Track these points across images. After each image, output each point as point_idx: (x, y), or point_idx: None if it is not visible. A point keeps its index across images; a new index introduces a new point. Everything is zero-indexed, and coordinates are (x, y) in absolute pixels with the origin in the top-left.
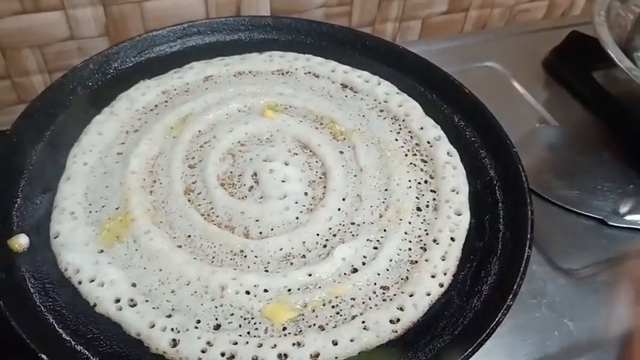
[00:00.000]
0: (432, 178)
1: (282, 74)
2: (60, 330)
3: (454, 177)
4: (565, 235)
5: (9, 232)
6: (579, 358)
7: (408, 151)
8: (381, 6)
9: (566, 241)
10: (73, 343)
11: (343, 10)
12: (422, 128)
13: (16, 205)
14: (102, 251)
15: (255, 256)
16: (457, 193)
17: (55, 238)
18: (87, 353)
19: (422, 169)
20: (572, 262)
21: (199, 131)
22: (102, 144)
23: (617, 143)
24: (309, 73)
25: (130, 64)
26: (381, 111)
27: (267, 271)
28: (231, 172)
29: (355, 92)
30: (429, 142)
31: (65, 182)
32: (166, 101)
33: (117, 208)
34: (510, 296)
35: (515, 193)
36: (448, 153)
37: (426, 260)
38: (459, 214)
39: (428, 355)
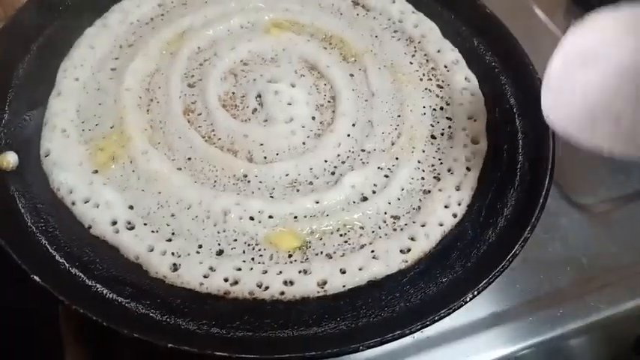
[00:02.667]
0: (447, 104)
1: None
2: (53, 252)
3: (471, 104)
4: (580, 170)
5: None
6: (591, 294)
7: (424, 75)
8: None
9: (581, 175)
10: (67, 265)
11: None
12: (439, 51)
13: (4, 121)
14: (96, 172)
15: (260, 182)
16: (475, 120)
17: (45, 156)
18: (82, 276)
19: (437, 95)
20: (587, 197)
21: (199, 48)
22: (94, 58)
23: None
24: None
25: None
26: (395, 31)
27: (272, 197)
28: (233, 93)
29: (367, 10)
30: (445, 67)
31: (56, 98)
32: (162, 14)
33: (111, 127)
34: (528, 229)
35: (537, 123)
36: (466, 78)
37: (440, 190)
38: (476, 143)
39: (440, 286)
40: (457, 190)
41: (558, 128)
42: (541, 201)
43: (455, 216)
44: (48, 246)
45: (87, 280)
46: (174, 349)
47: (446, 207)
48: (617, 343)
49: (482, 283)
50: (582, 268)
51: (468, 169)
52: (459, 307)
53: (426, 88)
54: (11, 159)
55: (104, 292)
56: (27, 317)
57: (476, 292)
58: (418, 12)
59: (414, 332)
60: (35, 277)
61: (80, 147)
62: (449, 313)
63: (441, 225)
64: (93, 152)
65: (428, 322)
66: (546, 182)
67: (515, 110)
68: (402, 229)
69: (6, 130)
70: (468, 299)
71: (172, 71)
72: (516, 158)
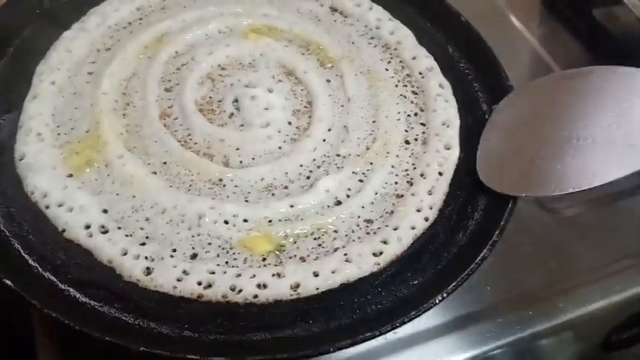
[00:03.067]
0: (422, 110)
1: None
2: (26, 256)
3: (445, 110)
4: None
5: None
6: (560, 295)
7: (399, 82)
8: None
9: None
10: (40, 269)
11: None
12: (414, 58)
13: None
14: (71, 175)
15: (235, 186)
16: (447, 126)
17: (20, 160)
18: (55, 280)
19: (412, 102)
20: (557, 201)
21: (176, 52)
22: (71, 62)
23: None
24: None
25: None
26: (372, 38)
27: (247, 201)
28: (210, 98)
29: (345, 17)
30: (420, 74)
31: (31, 101)
32: (141, 18)
33: (87, 131)
34: (497, 232)
35: None
36: (440, 85)
37: (412, 194)
38: (449, 148)
39: (411, 288)
40: (429, 194)
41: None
42: (510, 205)
43: (427, 219)
44: (21, 250)
45: (60, 284)
46: (147, 352)
47: (418, 211)
48: (586, 343)
49: (452, 286)
50: (552, 270)
51: (440, 173)
52: (428, 309)
53: (401, 95)
54: None
55: (77, 295)
56: None
57: (445, 294)
58: (395, 19)
59: (385, 333)
60: (7, 281)
61: (55, 151)
62: (418, 315)
63: (413, 228)
64: (68, 156)
65: (397, 324)
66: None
67: (486, 117)
68: (375, 233)
69: None
70: (437, 301)
71: (149, 75)
72: None
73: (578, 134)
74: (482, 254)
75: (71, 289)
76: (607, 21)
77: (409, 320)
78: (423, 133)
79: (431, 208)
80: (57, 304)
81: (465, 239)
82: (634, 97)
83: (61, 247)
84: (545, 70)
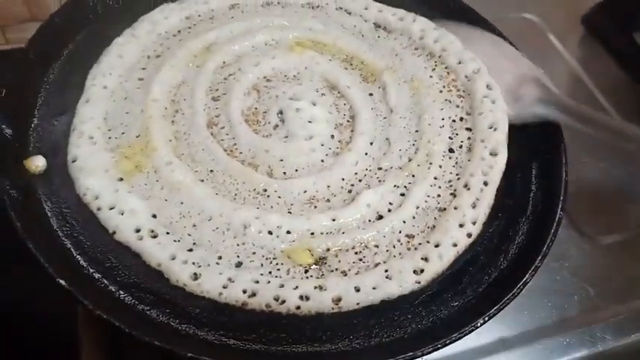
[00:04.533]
0: (468, 114)
1: (312, 8)
2: (78, 256)
3: (492, 112)
4: (591, 200)
5: (25, 152)
6: (598, 324)
7: (444, 87)
8: None
9: (592, 206)
10: (90, 270)
11: None
12: (460, 62)
13: (33, 125)
14: (121, 179)
15: (279, 197)
16: (495, 129)
17: (72, 162)
18: (105, 282)
19: (458, 106)
20: (597, 228)
21: (224, 62)
22: (122, 67)
23: None
24: (341, 8)
25: None
26: (416, 49)
27: (290, 212)
28: (255, 108)
29: (389, 32)
30: (466, 77)
31: (84, 105)
32: (190, 27)
33: (137, 136)
34: (539, 257)
35: (551, 152)
36: (487, 86)
37: (455, 208)
38: (495, 154)
39: (451, 310)
40: (473, 207)
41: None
42: (553, 230)
43: (469, 236)
44: (73, 250)
45: (110, 286)
46: (192, 358)
47: (461, 226)
48: None
49: (494, 309)
50: (590, 298)
51: (485, 183)
52: (470, 332)
53: (446, 99)
54: (39, 163)
55: (126, 298)
56: (45, 319)
57: (487, 318)
58: (439, 28)
59: (426, 354)
60: (61, 281)
61: (106, 154)
62: (460, 337)
63: (455, 245)
64: (119, 160)
65: (439, 345)
66: (558, 212)
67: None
68: (415, 249)
69: (35, 135)
70: (479, 324)
71: (198, 84)
72: (529, 187)
73: None
74: (524, 279)
75: (120, 292)
76: None
77: (451, 342)
78: (469, 139)
79: (474, 224)
80: (107, 306)
81: (505, 263)
82: None
83: (111, 249)
84: (584, 89)
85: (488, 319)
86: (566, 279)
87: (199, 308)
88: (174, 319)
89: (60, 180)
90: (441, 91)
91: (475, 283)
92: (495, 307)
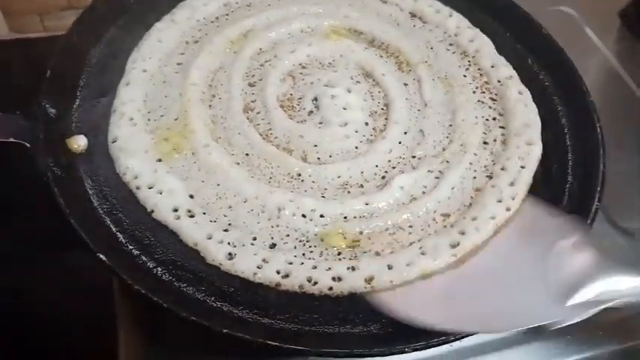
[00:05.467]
0: (501, 115)
1: None
2: (117, 233)
3: (524, 114)
4: (626, 194)
5: (68, 131)
6: (632, 319)
7: (477, 88)
8: None
9: (627, 199)
10: (130, 247)
11: None
12: (493, 66)
13: (75, 106)
14: (160, 160)
15: (313, 181)
16: (529, 126)
17: (113, 142)
18: (143, 258)
19: (490, 107)
20: (632, 221)
21: (260, 49)
22: (161, 52)
23: None
24: None
25: None
26: (451, 45)
27: (323, 197)
28: (291, 95)
29: (424, 22)
30: (499, 81)
31: (124, 87)
32: (227, 14)
33: (176, 119)
34: None
35: (588, 144)
36: (519, 92)
37: (493, 186)
38: (530, 144)
39: None
40: (511, 185)
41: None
42: (589, 222)
43: (508, 210)
44: (112, 227)
45: (148, 263)
46: (228, 334)
47: (499, 201)
48: None
49: None
50: None
51: (522, 167)
52: None
53: (478, 100)
54: (81, 142)
55: (164, 275)
56: (82, 295)
57: None
58: (474, 27)
59: (459, 339)
60: (101, 255)
61: (146, 135)
62: None
63: (493, 218)
64: (158, 141)
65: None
66: (594, 204)
67: (566, 131)
68: (452, 226)
69: (77, 115)
70: None
71: (234, 70)
72: (566, 178)
73: None
74: None
75: (158, 269)
76: None
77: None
78: (502, 135)
79: (513, 199)
80: (145, 282)
81: None
82: None
83: (150, 227)
84: (621, 85)
85: None
86: None
87: (234, 287)
88: (210, 297)
89: (100, 159)
90: (474, 92)
91: None
92: None
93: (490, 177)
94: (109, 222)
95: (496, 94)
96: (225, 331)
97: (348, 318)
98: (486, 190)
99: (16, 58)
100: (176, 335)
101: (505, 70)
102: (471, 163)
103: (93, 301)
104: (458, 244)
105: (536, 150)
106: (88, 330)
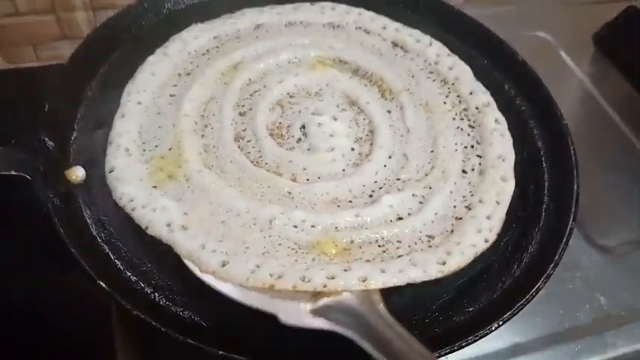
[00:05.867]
0: (478, 143)
1: (333, 27)
2: (116, 261)
3: (501, 144)
4: (602, 212)
5: (66, 163)
6: (609, 331)
7: (456, 115)
8: None
9: (603, 217)
10: (128, 273)
11: None
12: (471, 93)
13: (73, 138)
14: (155, 187)
15: (303, 198)
16: (503, 160)
17: (110, 172)
18: (141, 284)
19: (469, 134)
20: (608, 238)
21: (250, 79)
22: (155, 84)
23: None
24: (360, 28)
25: (183, 6)
26: (431, 72)
27: (314, 209)
28: (280, 123)
29: (406, 52)
30: (477, 108)
31: (120, 119)
32: (217, 47)
33: (170, 149)
34: (551, 266)
35: (563, 165)
36: (496, 120)
37: (472, 217)
38: (505, 180)
39: (467, 314)
40: (488, 218)
41: None
42: (565, 240)
43: (486, 241)
44: (111, 255)
45: (145, 288)
46: (223, 356)
47: (478, 232)
48: None
49: (507, 314)
50: (601, 306)
51: (497, 202)
52: (485, 335)
53: (458, 127)
54: (79, 173)
55: (161, 300)
56: (81, 316)
57: (501, 322)
58: (453, 55)
59: (442, 356)
60: (102, 283)
61: (141, 165)
62: (475, 340)
63: (474, 246)
64: (153, 171)
65: (456, 348)
66: (570, 223)
67: (542, 153)
68: (437, 247)
69: (75, 146)
70: (493, 328)
71: (225, 100)
72: (542, 199)
73: None
74: (536, 287)
75: (155, 294)
76: None
77: (466, 345)
78: (480, 164)
79: (490, 231)
80: (143, 306)
81: (519, 271)
82: None
83: (146, 254)
84: (595, 105)
85: (503, 324)
86: (578, 287)
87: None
88: (205, 320)
89: (98, 189)
90: (453, 119)
91: (490, 290)
92: (509, 313)
93: (469, 208)
94: (107, 250)
95: (474, 122)
96: (220, 352)
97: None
98: (466, 220)
99: (9, 88)
100: (173, 357)
101: (483, 96)
102: (451, 192)
103: (91, 321)
104: (444, 263)
105: (510, 186)
106: (86, 350)
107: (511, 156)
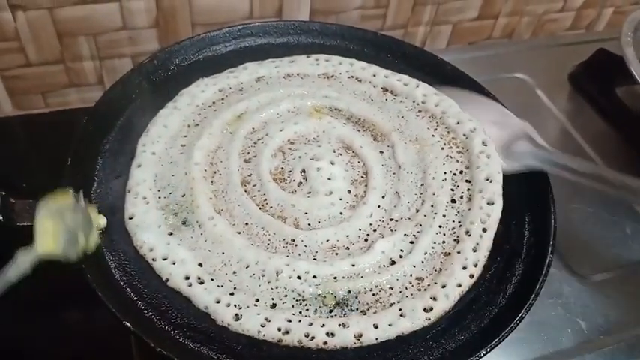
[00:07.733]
0: (467, 168)
1: (327, 77)
2: (138, 302)
3: (488, 166)
4: (581, 243)
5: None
6: (589, 354)
7: (445, 144)
8: (415, 10)
9: (581, 248)
10: (149, 313)
11: (378, 13)
12: (458, 123)
13: (93, 189)
14: (171, 233)
15: (305, 245)
16: (491, 182)
17: (129, 219)
18: (162, 323)
19: (457, 161)
20: (586, 267)
21: (253, 129)
22: (167, 135)
23: (633, 156)
24: (353, 77)
25: (190, 62)
26: (420, 111)
27: (315, 259)
28: (282, 168)
29: (395, 95)
30: (464, 135)
31: (136, 169)
32: (223, 98)
33: (183, 195)
34: (533, 295)
35: (542, 201)
36: (483, 143)
37: (458, 252)
38: (492, 204)
39: (458, 342)
40: (474, 251)
41: None
42: (544, 272)
43: (472, 277)
44: (133, 296)
45: (166, 326)
46: None
47: (464, 268)
48: None
49: (494, 342)
50: (582, 331)
51: (484, 230)
52: None
53: (447, 155)
54: (101, 221)
55: (180, 337)
56: (102, 353)
57: (488, 349)
58: (440, 93)
59: None
60: (127, 323)
61: (158, 212)
62: None
63: (459, 285)
64: (168, 216)
65: None
66: (548, 256)
67: (522, 190)
68: (425, 289)
69: (95, 196)
70: (482, 355)
71: (232, 148)
72: (523, 232)
73: None
74: (520, 315)
75: (175, 331)
76: (629, 99)
77: None
78: (468, 190)
79: (475, 265)
80: (165, 344)
81: (504, 301)
82: None
83: (165, 295)
84: (571, 141)
85: (490, 350)
86: (560, 314)
87: (241, 344)
88: (222, 354)
89: (119, 235)
90: (442, 149)
91: (478, 319)
92: (495, 340)
93: (457, 241)
94: (129, 292)
95: (462, 147)
96: None
97: None
98: (453, 255)
99: (20, 134)
100: None
101: (469, 124)
102: (440, 227)
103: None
104: (431, 309)
105: (497, 210)
106: None
107: (498, 177)
